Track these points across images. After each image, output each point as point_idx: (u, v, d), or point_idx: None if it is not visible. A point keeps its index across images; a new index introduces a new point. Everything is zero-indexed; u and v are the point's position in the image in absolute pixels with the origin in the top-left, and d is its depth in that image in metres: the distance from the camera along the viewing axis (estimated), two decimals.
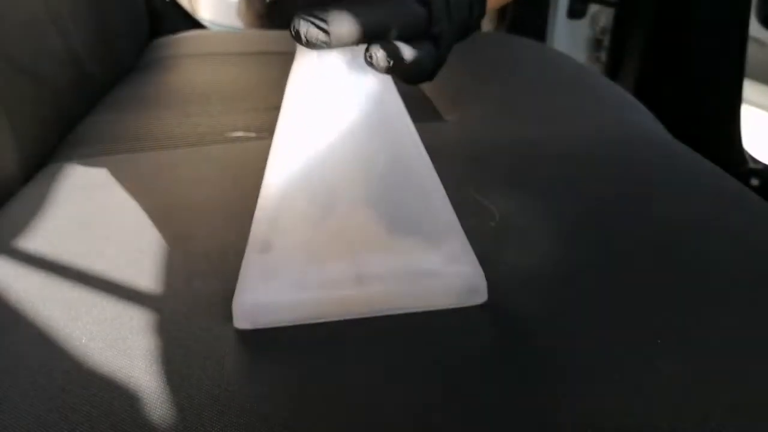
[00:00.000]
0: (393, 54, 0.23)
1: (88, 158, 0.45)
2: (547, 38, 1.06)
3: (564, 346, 0.26)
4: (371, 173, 0.25)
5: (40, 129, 0.47)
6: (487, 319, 0.26)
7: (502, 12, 1.07)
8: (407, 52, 0.23)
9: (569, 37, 1.06)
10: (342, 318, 0.26)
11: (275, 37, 0.82)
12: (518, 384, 0.24)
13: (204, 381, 0.23)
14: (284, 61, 0.26)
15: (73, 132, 0.51)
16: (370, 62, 0.23)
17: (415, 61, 0.24)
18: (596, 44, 1.08)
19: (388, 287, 0.26)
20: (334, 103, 0.24)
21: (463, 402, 0.22)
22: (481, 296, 0.27)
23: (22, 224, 0.35)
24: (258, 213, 0.26)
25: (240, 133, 0.49)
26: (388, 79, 0.25)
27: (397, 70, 0.24)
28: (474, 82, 0.61)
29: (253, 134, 0.49)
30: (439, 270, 0.26)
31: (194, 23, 1.07)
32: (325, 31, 0.22)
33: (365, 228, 0.26)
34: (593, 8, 1.05)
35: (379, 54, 0.23)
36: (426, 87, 0.62)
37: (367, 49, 0.23)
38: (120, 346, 0.26)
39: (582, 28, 1.07)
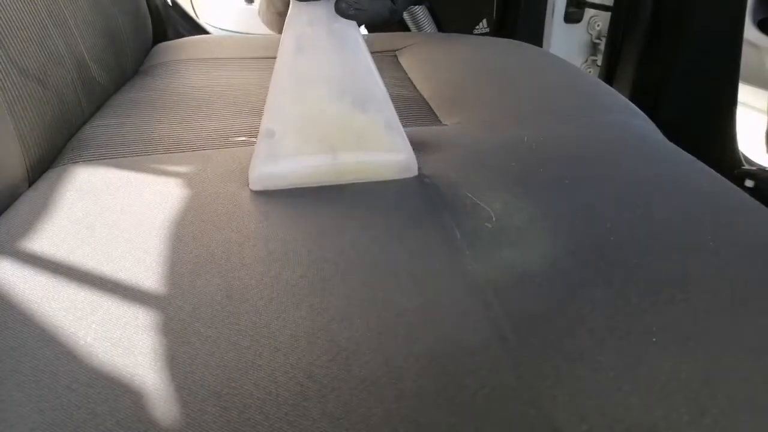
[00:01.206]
0: (355, 5, 0.35)
1: (93, 161, 0.45)
2: (543, 42, 1.07)
3: (560, 343, 0.26)
4: (340, 85, 0.38)
5: (44, 132, 0.48)
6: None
7: (499, 16, 1.08)
8: (366, 3, 0.36)
9: (566, 42, 1.07)
10: (321, 184, 0.39)
11: (278, 41, 0.83)
12: (509, 373, 0.24)
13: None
14: None
15: (77, 136, 0.52)
16: (338, 11, 0.35)
17: (372, 11, 0.36)
18: (593, 48, 1.08)
19: (351, 164, 0.39)
20: (315, 38, 0.37)
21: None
22: (412, 172, 0.41)
23: (27, 226, 0.36)
24: (265, 112, 0.38)
25: (243, 138, 0.50)
26: (353, 24, 0.37)
27: (358, 17, 0.36)
28: (471, 86, 0.62)
29: (255, 139, 0.49)
30: (386, 154, 0.40)
31: (197, 28, 1.08)
32: None
33: (336, 124, 0.39)
34: (589, 12, 1.06)
35: (343, 5, 0.35)
36: (425, 91, 0.62)
37: (337, 2, 0.35)
38: (125, 345, 0.26)
39: (578, 32, 1.08)
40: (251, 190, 0.39)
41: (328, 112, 0.38)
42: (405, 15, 1.13)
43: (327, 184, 0.39)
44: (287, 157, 0.39)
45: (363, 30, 1.33)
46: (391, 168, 0.40)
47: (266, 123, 0.38)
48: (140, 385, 0.24)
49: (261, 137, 0.39)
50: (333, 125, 0.38)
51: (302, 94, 0.38)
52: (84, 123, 0.56)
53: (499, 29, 1.10)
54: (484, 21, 1.10)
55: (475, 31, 1.11)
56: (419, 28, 1.14)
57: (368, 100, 0.38)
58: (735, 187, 0.40)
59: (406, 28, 1.15)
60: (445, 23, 1.14)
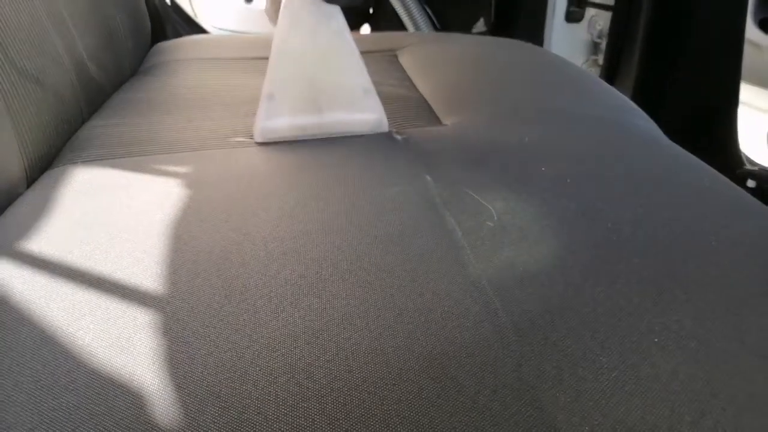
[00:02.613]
0: None
1: (92, 162, 0.45)
2: (544, 42, 1.07)
3: (561, 343, 0.26)
4: (326, 57, 0.48)
5: (43, 132, 0.47)
6: (386, 139, 0.49)
7: (497, 15, 1.08)
8: None
9: (567, 41, 1.07)
10: (310, 138, 0.49)
11: None
12: (510, 374, 0.24)
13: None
14: None
15: (76, 136, 0.52)
16: None
17: None
18: (593, 48, 1.08)
19: (335, 121, 0.49)
20: (306, 19, 0.46)
21: (373, 167, 0.43)
22: (384, 129, 0.50)
23: (26, 226, 0.36)
24: (266, 79, 0.48)
25: (241, 138, 0.50)
26: (337, 8, 0.46)
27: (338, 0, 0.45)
28: (471, 86, 0.62)
29: (253, 140, 0.49)
30: (363, 114, 0.50)
31: (196, 27, 1.08)
32: None
33: (323, 88, 0.48)
34: (590, 12, 1.06)
35: None
36: (425, 91, 0.62)
37: None
38: (123, 345, 0.26)
39: (579, 31, 1.08)
40: (249, 184, 0.40)
41: (316, 79, 0.48)
42: (402, 15, 1.13)
43: (315, 137, 0.49)
44: (284, 115, 0.48)
45: (365, 29, 1.33)
46: (367, 124, 0.50)
47: (267, 88, 0.48)
48: (139, 385, 0.24)
49: (263, 99, 0.48)
50: (320, 89, 0.48)
51: (295, 65, 0.47)
52: (82, 123, 0.56)
53: (497, 28, 1.10)
54: (482, 20, 1.10)
55: (473, 30, 1.11)
56: (417, 28, 1.14)
57: (348, 70, 0.49)
58: (737, 187, 0.40)
59: (404, 28, 1.15)
60: (442, 23, 1.14)
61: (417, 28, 1.13)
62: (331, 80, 0.48)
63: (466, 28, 1.12)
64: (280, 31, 0.46)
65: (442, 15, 1.12)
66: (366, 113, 0.49)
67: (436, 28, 1.14)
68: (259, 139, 0.48)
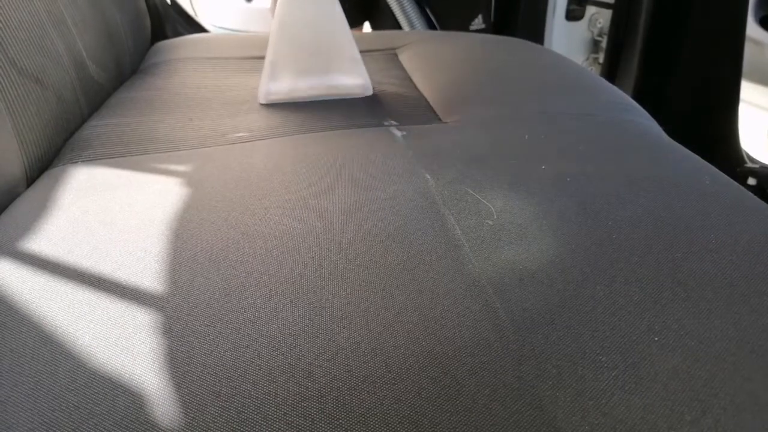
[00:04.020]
0: None
1: (91, 161, 0.45)
2: (545, 40, 1.06)
3: (561, 342, 0.26)
4: (320, 31, 0.56)
5: (43, 132, 0.47)
6: (386, 136, 0.50)
7: (497, 11, 1.07)
8: None
9: (567, 39, 1.07)
10: (308, 99, 0.58)
11: None
12: (510, 373, 0.24)
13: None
14: None
15: (76, 135, 0.52)
16: None
17: None
18: (594, 46, 1.08)
19: (328, 84, 0.58)
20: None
21: (373, 165, 0.44)
22: (369, 92, 0.60)
23: (26, 226, 0.36)
24: (268, 49, 0.57)
25: (242, 134, 0.50)
26: None
27: None
28: (472, 84, 0.61)
29: (254, 134, 0.49)
30: (351, 78, 0.59)
31: (196, 26, 1.08)
32: None
33: (317, 57, 0.57)
34: (591, 10, 1.06)
35: None
36: (425, 89, 0.62)
37: None
38: (123, 344, 0.26)
39: (580, 29, 1.07)
40: (249, 182, 0.39)
41: (311, 49, 0.57)
42: (398, 13, 1.13)
43: (310, 99, 0.58)
44: (283, 80, 0.57)
45: (366, 27, 1.32)
46: (354, 88, 0.59)
47: (269, 57, 0.57)
48: (139, 384, 0.24)
49: (266, 67, 0.57)
50: (314, 58, 0.57)
51: (293, 37, 0.56)
52: (82, 122, 0.56)
53: (497, 25, 1.09)
54: (480, 17, 1.09)
55: (471, 27, 1.11)
56: (412, 26, 1.13)
57: (339, 41, 0.57)
58: (737, 185, 0.40)
59: (398, 25, 1.15)
60: (439, 19, 1.14)
61: (412, 26, 1.13)
62: (324, 50, 0.56)
63: (464, 25, 1.11)
64: (280, 9, 0.55)
65: (440, 11, 1.12)
66: (353, 78, 0.58)
67: (432, 26, 1.13)
68: (262, 101, 0.57)
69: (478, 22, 1.09)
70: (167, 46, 0.84)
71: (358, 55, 0.58)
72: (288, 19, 0.55)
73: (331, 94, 0.57)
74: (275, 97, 0.57)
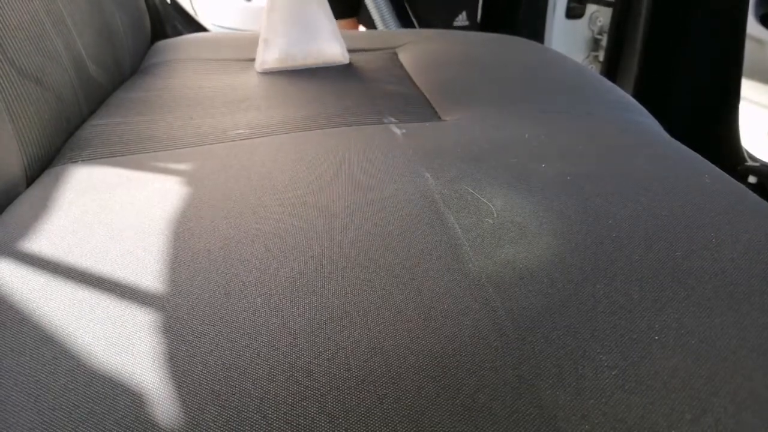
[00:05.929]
0: None
1: (91, 160, 0.45)
2: (545, 38, 1.06)
3: (561, 341, 0.26)
4: (304, 12, 0.69)
5: (42, 132, 0.47)
6: (385, 135, 0.51)
7: (484, 7, 1.06)
8: None
9: (567, 37, 1.07)
10: (295, 68, 0.70)
11: None
12: (510, 372, 0.24)
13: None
14: None
15: (75, 135, 0.52)
16: None
17: None
18: (594, 44, 1.08)
19: (318, 54, 0.70)
20: None
21: (373, 164, 0.46)
22: (346, 60, 0.72)
23: (26, 225, 0.36)
24: (262, 27, 0.69)
25: (242, 131, 0.50)
26: None
27: None
28: (471, 82, 0.61)
29: (255, 131, 0.49)
30: (332, 47, 0.71)
31: (196, 26, 1.08)
32: None
33: (303, 33, 0.69)
34: (591, 8, 1.05)
35: None
36: (424, 88, 0.62)
37: None
38: (123, 344, 0.26)
39: (580, 28, 1.07)
40: (248, 181, 0.39)
41: (298, 26, 0.69)
42: (372, 9, 1.11)
43: (298, 67, 0.69)
44: (275, 51, 0.69)
45: (362, 27, 1.31)
46: (335, 56, 0.71)
47: (264, 34, 0.69)
48: (139, 384, 0.24)
49: (260, 42, 0.69)
50: (301, 33, 0.69)
51: (282, 15, 0.69)
52: (82, 122, 0.56)
53: (485, 22, 1.08)
54: (464, 13, 1.08)
55: (455, 24, 1.10)
56: (386, 26, 1.11)
57: (321, 19, 0.70)
58: (738, 183, 0.40)
59: (372, 24, 1.13)
60: (419, 17, 1.12)
61: (386, 25, 1.11)
62: (308, 26, 0.69)
63: (447, 21, 1.09)
64: None
65: (420, 7, 1.09)
66: (333, 47, 0.71)
67: (411, 23, 1.11)
68: (259, 70, 0.69)
69: (461, 19, 1.08)
70: (167, 46, 0.84)
71: (337, 30, 0.71)
72: (276, 2, 0.69)
73: (317, 62, 0.70)
74: (269, 66, 0.68)
